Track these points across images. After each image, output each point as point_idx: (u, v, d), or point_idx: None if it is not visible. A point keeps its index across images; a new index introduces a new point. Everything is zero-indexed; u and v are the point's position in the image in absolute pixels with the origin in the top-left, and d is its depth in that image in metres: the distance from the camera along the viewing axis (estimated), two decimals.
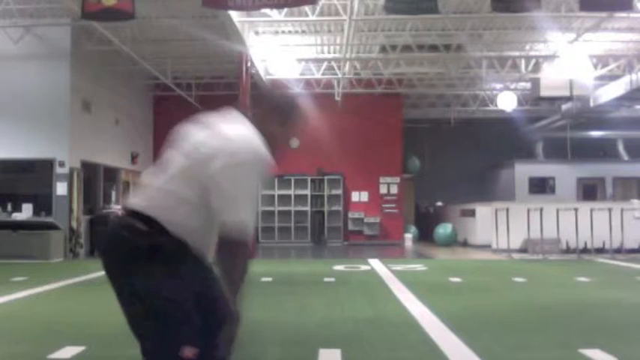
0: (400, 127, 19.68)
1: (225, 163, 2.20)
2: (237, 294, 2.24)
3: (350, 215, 19.31)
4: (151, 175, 2.37)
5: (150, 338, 2.22)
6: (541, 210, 13.90)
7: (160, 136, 19.30)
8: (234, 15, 11.92)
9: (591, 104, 18.59)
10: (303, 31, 14.74)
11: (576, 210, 13.65)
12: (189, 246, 2.29)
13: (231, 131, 2.28)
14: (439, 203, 21.67)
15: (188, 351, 2.14)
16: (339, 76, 17.58)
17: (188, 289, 2.26)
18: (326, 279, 9.51)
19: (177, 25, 12.82)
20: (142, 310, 2.23)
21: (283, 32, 14.69)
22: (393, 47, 15.43)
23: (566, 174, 21.70)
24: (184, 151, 2.32)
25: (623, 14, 12.15)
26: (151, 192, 2.33)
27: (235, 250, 2.21)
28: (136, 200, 2.33)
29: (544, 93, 17.18)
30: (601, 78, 17.24)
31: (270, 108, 2.48)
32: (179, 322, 2.20)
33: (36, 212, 13.19)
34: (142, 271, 2.24)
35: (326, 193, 19.32)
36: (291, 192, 19.32)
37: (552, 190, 21.46)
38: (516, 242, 14.40)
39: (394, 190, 19.44)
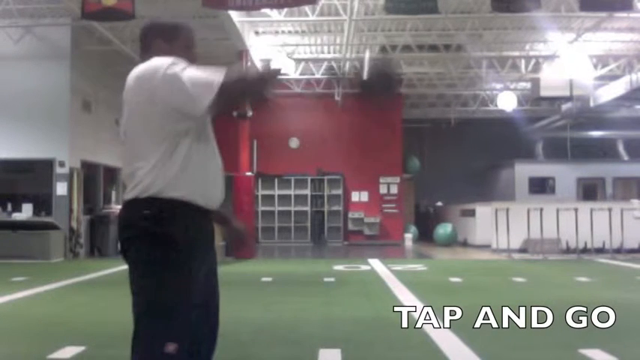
0: (400, 127, 19.67)
1: (151, 92, 2.20)
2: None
3: (350, 215, 19.30)
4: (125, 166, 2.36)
5: (137, 328, 2.24)
6: (541, 210, 13.90)
7: None
8: (234, 15, 11.93)
9: (591, 104, 18.61)
10: (303, 31, 14.75)
11: (576, 210, 13.65)
12: (199, 211, 2.27)
13: (133, 74, 2.31)
14: (439, 203, 21.67)
15: (171, 346, 2.15)
16: (339, 76, 17.59)
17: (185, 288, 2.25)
18: (326, 279, 9.51)
19: None
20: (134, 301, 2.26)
21: (283, 32, 14.70)
22: (393, 47, 15.43)
23: (566, 174, 21.68)
24: (125, 118, 2.33)
25: (623, 14, 12.17)
26: (134, 176, 2.29)
27: (233, 90, 2.20)
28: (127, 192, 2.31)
29: (544, 93, 17.18)
30: (601, 78, 17.25)
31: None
32: (166, 317, 2.19)
33: (36, 212, 13.18)
34: (139, 264, 2.25)
35: (326, 193, 19.32)
36: (291, 192, 19.31)
37: (552, 190, 21.44)
38: (516, 242, 14.40)
39: (394, 190, 19.44)
